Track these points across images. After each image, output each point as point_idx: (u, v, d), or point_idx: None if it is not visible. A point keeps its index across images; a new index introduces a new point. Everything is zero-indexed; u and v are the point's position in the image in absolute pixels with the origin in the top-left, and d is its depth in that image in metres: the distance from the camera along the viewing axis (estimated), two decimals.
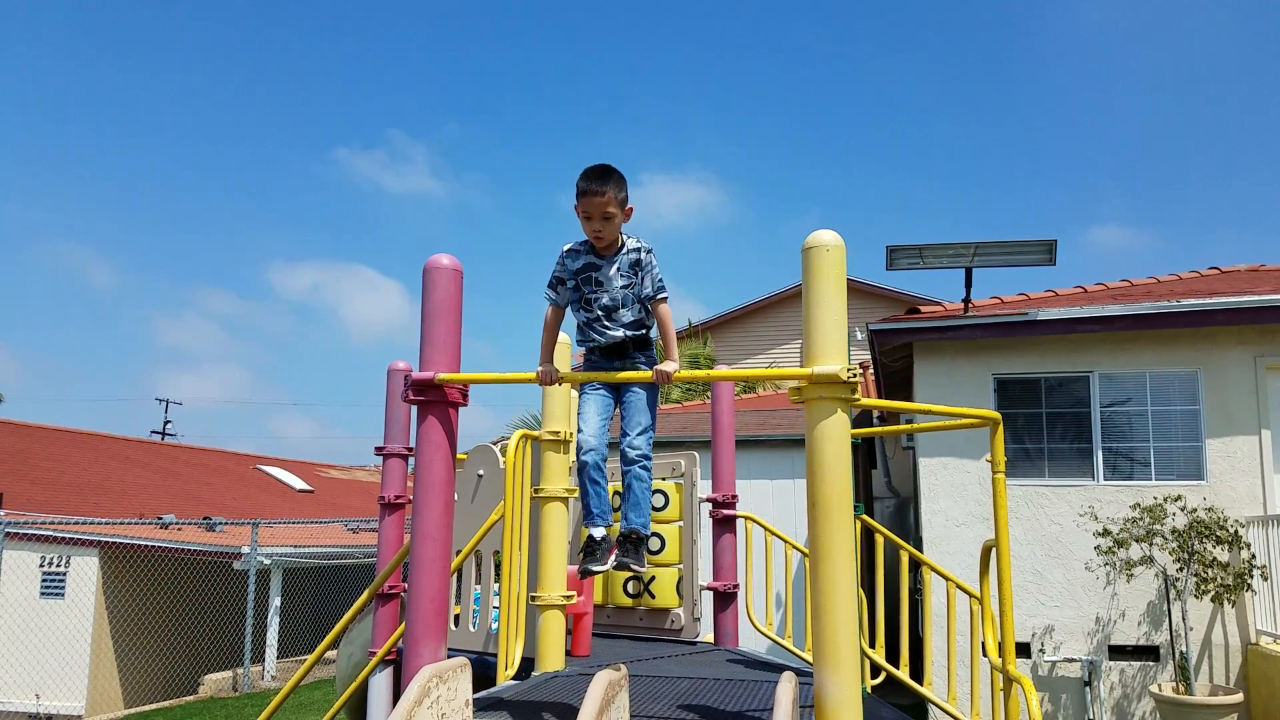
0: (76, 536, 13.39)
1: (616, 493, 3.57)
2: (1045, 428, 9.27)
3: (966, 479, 9.29)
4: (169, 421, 42.42)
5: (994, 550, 3.46)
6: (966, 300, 9.52)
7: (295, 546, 13.98)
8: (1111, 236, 53.12)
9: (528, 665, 4.18)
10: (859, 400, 2.84)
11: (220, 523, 14.45)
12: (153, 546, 13.40)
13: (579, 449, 3.28)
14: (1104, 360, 9.20)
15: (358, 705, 5.44)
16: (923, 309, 10.30)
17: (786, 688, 2.63)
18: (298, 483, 25.88)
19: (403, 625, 4.41)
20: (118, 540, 13.45)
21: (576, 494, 5.68)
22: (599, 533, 3.28)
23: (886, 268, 9.24)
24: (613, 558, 3.27)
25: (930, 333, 9.30)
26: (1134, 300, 9.23)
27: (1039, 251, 8.90)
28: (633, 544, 3.27)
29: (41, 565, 13.67)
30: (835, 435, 2.77)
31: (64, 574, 13.57)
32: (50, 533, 13.36)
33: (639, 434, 3.27)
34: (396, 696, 5.35)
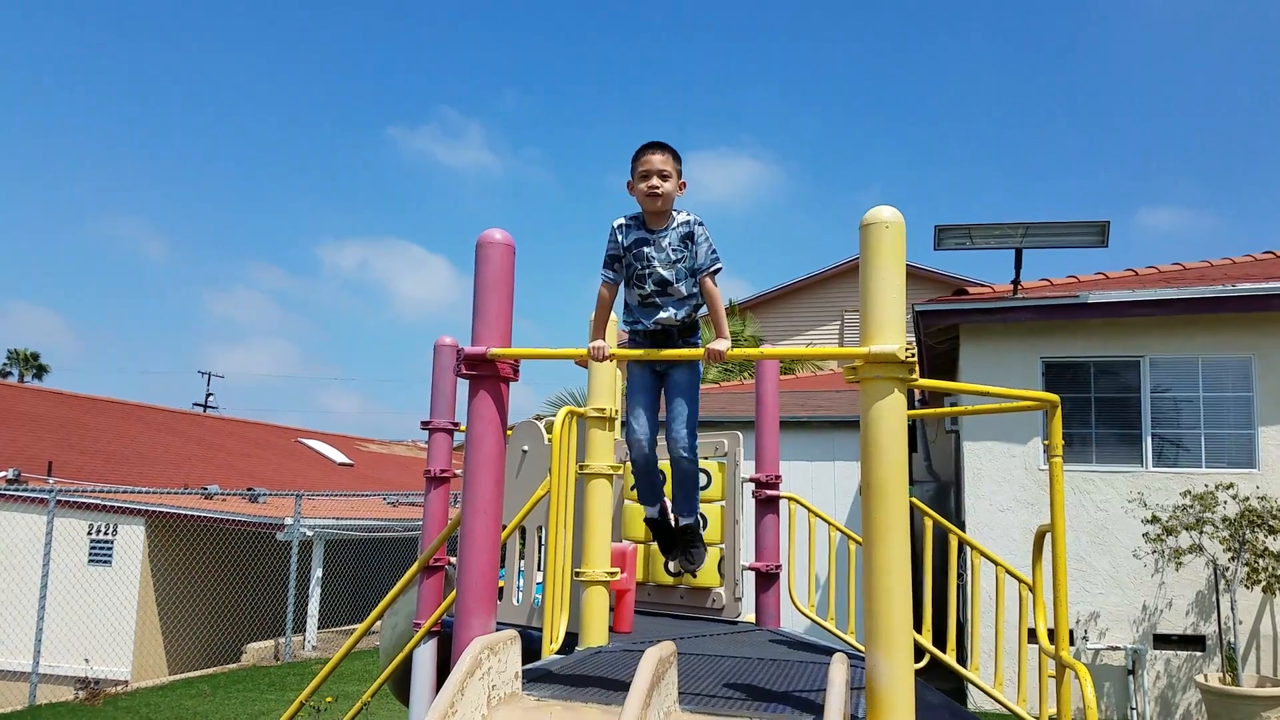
0: (124, 505, 13.65)
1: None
2: (1094, 413, 9.12)
3: (1012, 464, 9.18)
4: (211, 394, 43.13)
5: (1048, 536, 3.40)
6: (1016, 281, 9.36)
7: (337, 519, 14.16)
8: (1164, 219, 52.08)
9: (571, 640, 4.18)
10: (916, 380, 2.79)
11: (263, 494, 14.65)
12: (198, 516, 13.63)
13: (632, 445, 3.36)
14: (1155, 345, 9.02)
15: (401, 676, 5.50)
16: (970, 290, 10.14)
17: (840, 669, 2.60)
18: (338, 456, 26.22)
19: (450, 597, 4.45)
20: (164, 510, 13.71)
21: (621, 470, 5.69)
22: (651, 511, 3.37)
23: (934, 248, 9.12)
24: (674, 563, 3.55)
25: (978, 314, 9.16)
26: (1186, 284, 9.03)
27: (1091, 233, 8.72)
28: (689, 542, 3.44)
29: (89, 533, 13.97)
30: (891, 416, 2.73)
31: (111, 542, 13.86)
32: (98, 501, 13.63)
33: (682, 425, 3.36)
34: (440, 667, 5.41)
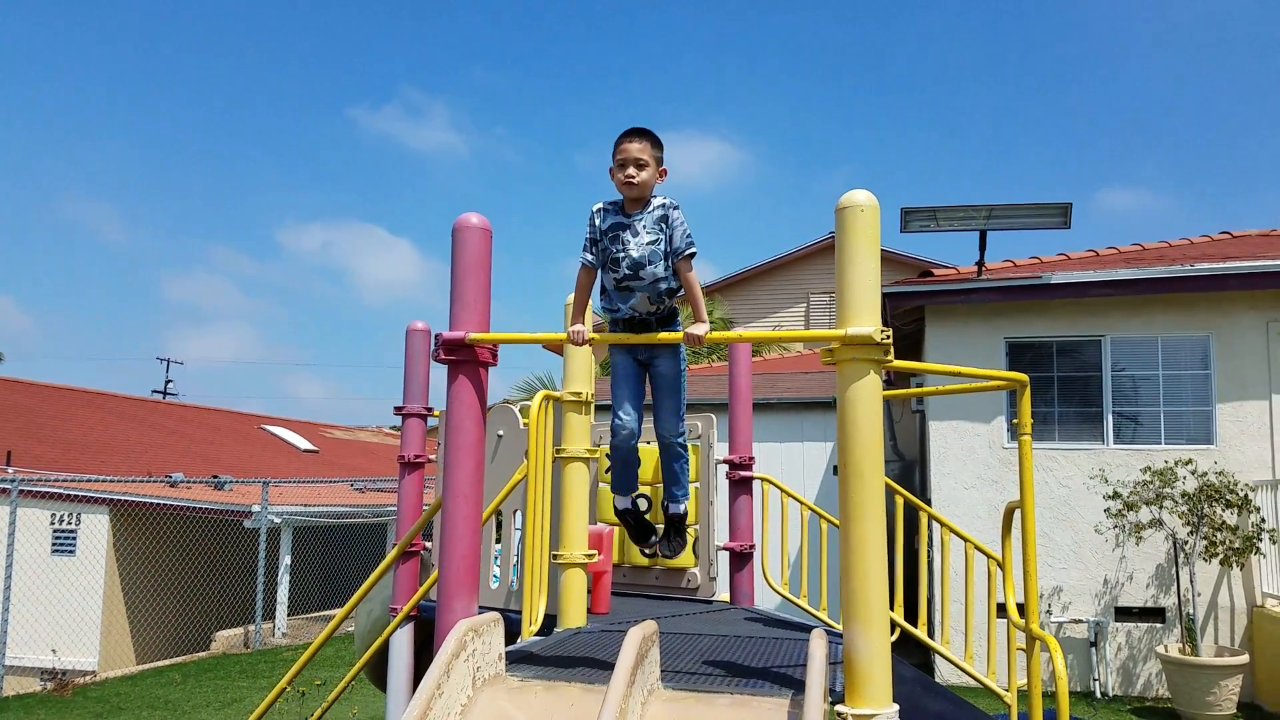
0: (87, 494, 13.47)
1: None
2: (1056, 391, 9.29)
3: (976, 443, 9.33)
4: (170, 381, 42.52)
5: (1017, 511, 3.48)
6: (980, 263, 9.49)
7: (304, 505, 14.07)
8: (1122, 200, 52.87)
9: (549, 622, 4.22)
10: (892, 362, 2.84)
11: (229, 481, 14.51)
12: (163, 505, 13.49)
13: (618, 432, 3.41)
14: (1116, 324, 9.19)
15: (376, 661, 5.51)
16: (936, 272, 10.26)
17: (819, 644, 2.65)
18: (302, 443, 26.00)
19: (430, 581, 4.46)
20: (128, 498, 13.53)
21: (598, 454, 5.72)
22: (622, 503, 3.44)
23: (900, 230, 9.20)
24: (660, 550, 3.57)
25: (943, 295, 9.28)
26: (1146, 264, 9.21)
27: (1053, 214, 8.85)
28: (676, 529, 3.50)
29: (52, 523, 13.77)
30: (868, 397, 2.77)
31: (75, 531, 13.68)
32: (61, 490, 13.44)
33: (670, 415, 3.44)
34: (417, 652, 5.42)
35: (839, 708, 2.63)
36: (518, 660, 3.22)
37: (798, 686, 2.92)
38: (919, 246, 19.68)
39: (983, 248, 9.35)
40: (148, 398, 31.06)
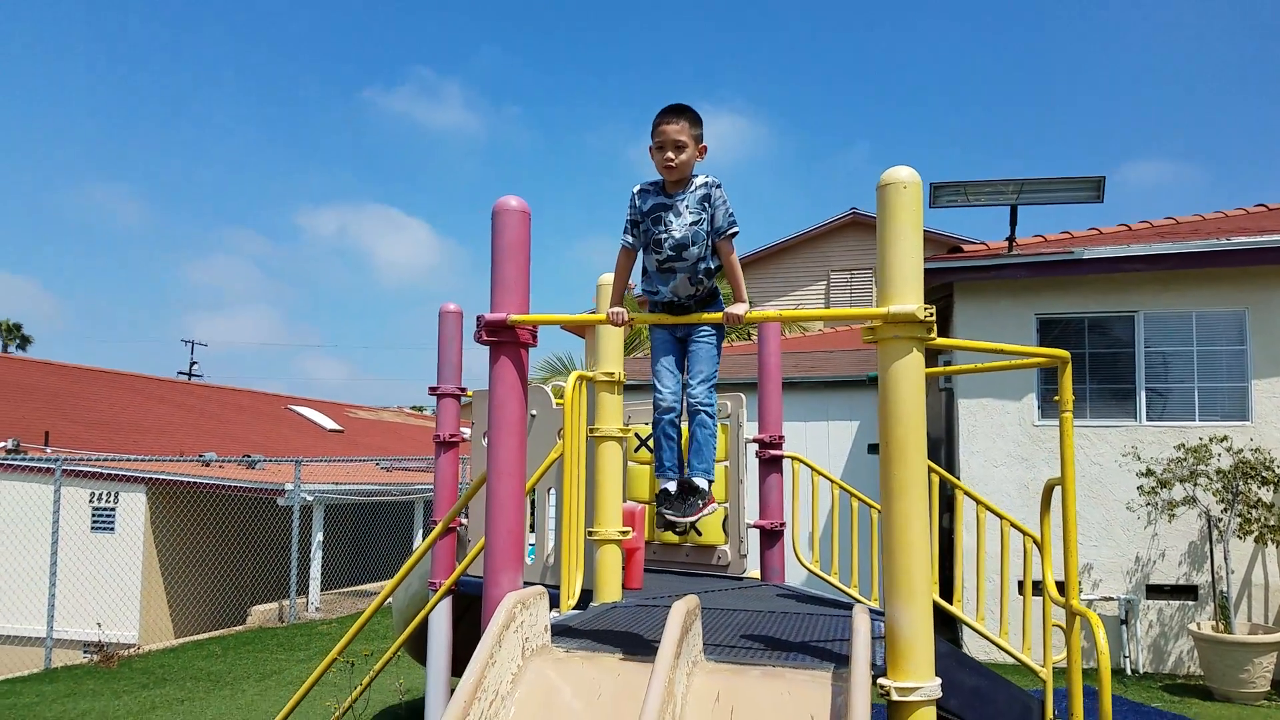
0: (125, 474, 13.77)
1: None
2: (1088, 368, 9.22)
3: (1006, 420, 9.29)
4: (195, 363, 43.10)
5: (1057, 489, 3.49)
6: (1011, 238, 9.40)
7: (335, 484, 14.28)
8: (1148, 172, 52.08)
9: (585, 597, 4.28)
10: (934, 340, 2.84)
11: (261, 460, 14.74)
12: (199, 483, 13.75)
13: (658, 407, 3.37)
14: (1149, 300, 9.10)
15: (414, 634, 5.61)
16: (965, 248, 10.19)
17: (863, 619, 2.69)
18: (328, 423, 26.27)
19: (471, 555, 4.53)
20: (165, 477, 13.82)
21: (630, 434, 5.75)
22: (672, 486, 3.38)
23: (929, 205, 9.12)
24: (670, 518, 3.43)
25: (973, 272, 9.22)
26: (1180, 238, 9.09)
27: (1086, 188, 8.75)
28: (685, 493, 3.41)
29: (91, 501, 14.08)
30: (910, 375, 2.78)
31: (113, 509, 13.99)
32: (100, 469, 13.74)
33: (701, 382, 3.35)
34: (458, 624, 5.52)
35: (881, 681, 2.66)
36: (558, 633, 3.28)
37: (838, 660, 2.95)
38: (943, 222, 19.51)
39: (1013, 223, 9.26)
40: (176, 379, 31.49)
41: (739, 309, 3.06)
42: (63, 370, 22.89)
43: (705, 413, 3.36)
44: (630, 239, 3.27)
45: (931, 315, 2.76)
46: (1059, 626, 4.21)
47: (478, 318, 3.18)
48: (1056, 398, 3.27)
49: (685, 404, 3.39)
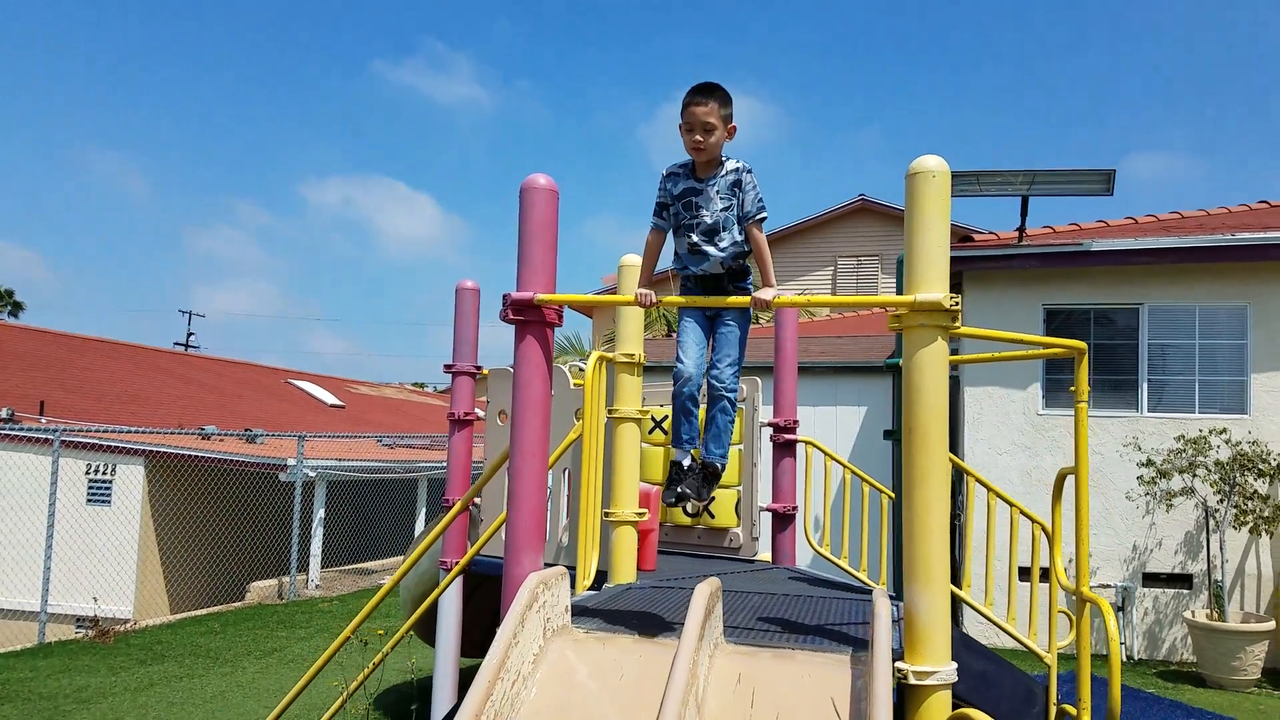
0: (123, 445, 13.65)
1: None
2: (1092, 358, 9.27)
3: (1011, 408, 9.35)
4: (192, 334, 42.87)
5: (1070, 478, 3.53)
6: (1021, 229, 9.43)
7: (337, 460, 14.25)
8: (1149, 165, 52.04)
9: (600, 578, 4.31)
10: (959, 329, 2.87)
11: (261, 435, 14.71)
12: (199, 457, 13.69)
13: (677, 378, 3.35)
14: (1154, 292, 9.15)
15: (421, 613, 5.65)
16: (975, 238, 10.21)
17: (884, 603, 2.73)
18: (329, 398, 26.23)
19: (486, 535, 4.56)
20: (164, 450, 13.72)
21: (649, 415, 5.78)
22: (687, 461, 3.38)
23: None
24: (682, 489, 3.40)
25: (983, 261, 9.26)
26: (1186, 233, 9.13)
27: (1096, 181, 8.77)
28: (705, 478, 3.41)
29: (87, 473, 13.98)
30: (934, 363, 2.80)
31: (110, 482, 13.89)
32: (97, 441, 13.63)
33: (727, 366, 3.34)
34: (466, 604, 5.55)
35: (898, 664, 2.70)
36: (577, 614, 3.32)
37: (855, 644, 2.99)
38: (954, 211, 19.51)
39: (1024, 213, 9.29)
40: (173, 350, 31.41)
41: (767, 294, 3.08)
42: (57, 339, 22.71)
43: (727, 398, 3.35)
44: (660, 221, 3.29)
45: (957, 304, 2.79)
46: (1064, 613, 4.26)
47: (504, 296, 3.19)
48: (1073, 388, 3.30)
49: (708, 385, 3.38)
